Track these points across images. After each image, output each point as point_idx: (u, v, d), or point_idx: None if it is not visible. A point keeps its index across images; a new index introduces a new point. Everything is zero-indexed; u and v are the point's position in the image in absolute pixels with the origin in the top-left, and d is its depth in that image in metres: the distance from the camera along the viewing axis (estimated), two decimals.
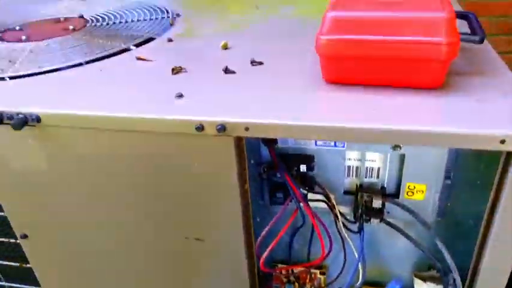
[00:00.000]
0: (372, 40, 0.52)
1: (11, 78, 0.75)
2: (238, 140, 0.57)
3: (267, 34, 0.84)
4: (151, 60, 0.76)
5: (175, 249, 0.69)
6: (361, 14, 0.53)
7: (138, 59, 0.77)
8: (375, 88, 0.57)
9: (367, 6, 0.54)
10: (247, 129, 0.54)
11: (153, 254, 0.72)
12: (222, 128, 0.55)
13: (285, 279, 0.80)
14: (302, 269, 0.80)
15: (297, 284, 0.80)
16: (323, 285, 0.80)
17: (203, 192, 0.63)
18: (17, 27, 1.02)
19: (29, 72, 0.76)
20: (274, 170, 0.65)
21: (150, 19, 0.99)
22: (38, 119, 0.63)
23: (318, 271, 0.80)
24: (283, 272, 0.80)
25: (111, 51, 0.82)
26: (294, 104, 0.57)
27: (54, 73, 0.75)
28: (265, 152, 0.66)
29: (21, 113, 0.63)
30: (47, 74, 0.75)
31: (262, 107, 0.57)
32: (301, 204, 0.62)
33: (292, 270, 0.80)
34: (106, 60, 0.78)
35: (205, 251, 0.68)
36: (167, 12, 1.03)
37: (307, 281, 0.80)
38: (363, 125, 0.52)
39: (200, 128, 0.56)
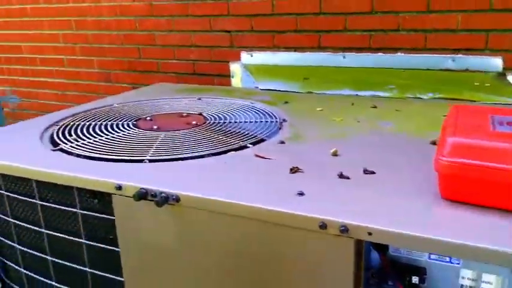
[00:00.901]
0: (493, 167, 0.57)
1: (150, 161, 0.89)
2: (358, 243, 0.61)
3: (371, 145, 0.92)
4: (269, 159, 0.86)
5: None
6: (482, 142, 0.59)
7: (257, 156, 0.88)
8: (493, 209, 0.60)
9: (485, 135, 0.61)
10: (370, 234, 0.59)
11: None
12: (345, 230, 0.60)
13: None
14: None
15: None
16: None
17: None
18: (148, 118, 1.21)
19: (165, 157, 0.89)
20: (384, 276, 0.67)
21: (260, 121, 1.14)
22: (177, 199, 0.73)
23: None
24: None
25: (230, 147, 0.94)
26: (413, 215, 0.61)
27: (186, 161, 0.88)
28: (374, 256, 0.69)
29: (164, 193, 0.74)
30: (179, 161, 0.88)
31: (385, 214, 0.62)
32: None
33: None
34: (228, 154, 0.90)
35: None
36: (274, 116, 1.18)
37: None
38: (482, 244, 0.54)
39: (323, 226, 0.62)
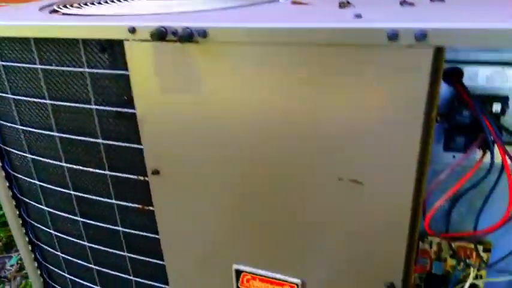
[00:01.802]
0: None
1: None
2: (438, 52, 0.49)
3: None
4: (306, 4, 0.73)
5: (326, 192, 0.61)
6: None
7: (294, 3, 0.75)
8: None
9: None
10: (452, 38, 0.47)
11: (299, 192, 0.64)
12: (421, 35, 0.48)
13: (434, 256, 0.68)
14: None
15: (454, 260, 0.67)
16: (484, 265, 0.66)
17: (374, 115, 0.54)
18: None
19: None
20: (455, 108, 0.56)
21: None
22: (204, 34, 0.61)
23: (481, 247, 0.67)
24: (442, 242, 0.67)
25: (258, 1, 0.81)
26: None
27: (203, 13, 0.75)
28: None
29: (188, 28, 0.62)
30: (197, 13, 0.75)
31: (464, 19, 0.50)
32: (496, 144, 0.52)
33: (451, 244, 0.68)
34: (257, 6, 0.77)
35: (360, 198, 0.59)
36: None
37: (471, 257, 0.67)
38: None
39: (394, 35, 0.50)
